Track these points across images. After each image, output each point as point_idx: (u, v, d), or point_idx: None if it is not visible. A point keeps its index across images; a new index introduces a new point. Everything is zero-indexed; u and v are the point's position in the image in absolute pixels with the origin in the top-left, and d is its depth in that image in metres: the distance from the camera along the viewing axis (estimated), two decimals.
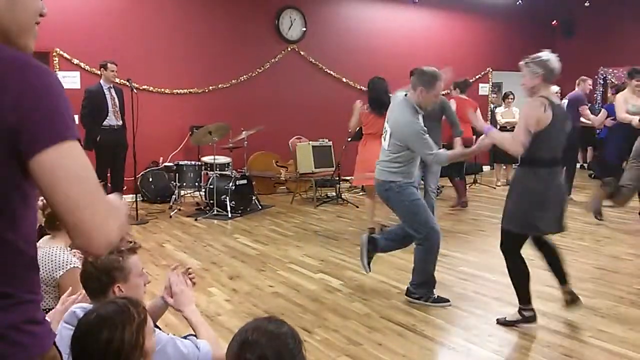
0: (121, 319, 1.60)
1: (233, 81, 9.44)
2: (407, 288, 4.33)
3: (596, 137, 10.49)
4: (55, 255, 2.77)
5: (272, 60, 9.78)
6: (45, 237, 2.95)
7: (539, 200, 3.54)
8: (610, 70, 12.21)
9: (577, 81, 8.60)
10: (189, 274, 2.44)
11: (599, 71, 12.31)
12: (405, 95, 4.16)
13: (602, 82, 12.23)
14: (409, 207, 4.17)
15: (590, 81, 8.88)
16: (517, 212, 3.66)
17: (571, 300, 3.91)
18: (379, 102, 6.05)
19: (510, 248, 3.78)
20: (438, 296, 4.25)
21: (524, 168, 3.65)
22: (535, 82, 3.58)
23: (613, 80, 12.06)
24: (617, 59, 11.92)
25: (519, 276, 3.82)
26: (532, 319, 3.79)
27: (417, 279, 4.26)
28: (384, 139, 4.28)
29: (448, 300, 4.23)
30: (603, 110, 8.61)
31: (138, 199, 7.57)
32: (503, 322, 3.85)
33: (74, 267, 2.71)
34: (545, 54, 3.62)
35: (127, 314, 1.61)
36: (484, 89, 12.53)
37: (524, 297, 3.80)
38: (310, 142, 8.57)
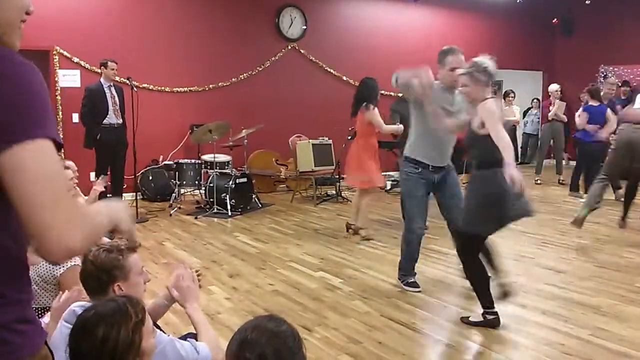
0: (118, 317, 1.59)
1: (233, 79, 9.43)
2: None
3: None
4: None
5: (272, 59, 9.78)
6: None
7: (506, 197, 3.50)
8: (611, 68, 12.20)
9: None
10: (197, 274, 2.44)
11: (599, 69, 12.29)
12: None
13: (602, 81, 12.21)
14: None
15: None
16: (485, 214, 3.61)
17: (503, 293, 3.93)
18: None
19: (473, 250, 3.77)
20: (412, 281, 4.54)
21: (484, 170, 3.61)
22: (479, 89, 3.62)
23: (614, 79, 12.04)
24: (618, 57, 11.92)
25: (481, 278, 3.79)
26: (496, 322, 3.72)
27: (400, 261, 4.63)
28: None
29: (418, 287, 4.49)
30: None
31: (138, 198, 7.57)
32: (466, 322, 3.81)
33: (74, 264, 2.70)
34: (482, 60, 3.66)
35: (125, 313, 1.61)
36: None
37: (486, 299, 3.74)
38: (310, 141, 8.57)
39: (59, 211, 1.07)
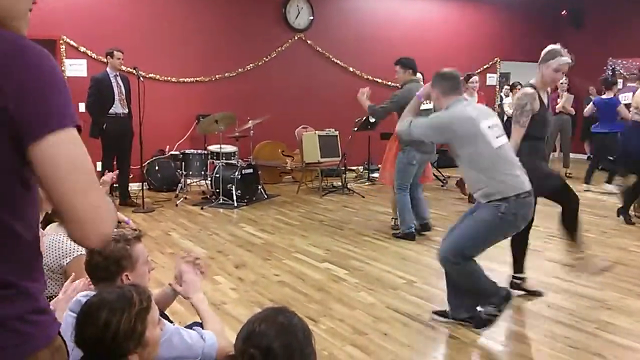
0: (122, 304, 1.60)
1: (239, 70, 9.42)
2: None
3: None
4: (62, 242, 2.78)
5: (279, 49, 9.75)
6: (53, 225, 2.95)
7: None
8: (619, 61, 12.10)
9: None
10: (197, 263, 2.44)
11: (607, 62, 12.20)
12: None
13: (611, 74, 12.12)
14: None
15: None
16: None
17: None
18: None
19: None
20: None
21: None
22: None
23: (622, 72, 11.96)
24: (626, 50, 11.81)
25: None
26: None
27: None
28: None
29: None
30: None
31: (144, 188, 7.58)
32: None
33: (80, 254, 2.71)
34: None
35: (129, 300, 1.61)
36: (491, 79, 12.46)
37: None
38: (317, 132, 8.55)
39: (93, 196, 1.11)
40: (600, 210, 7.35)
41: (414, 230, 5.81)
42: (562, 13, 12.72)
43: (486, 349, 3.43)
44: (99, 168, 6.94)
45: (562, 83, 10.02)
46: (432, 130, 3.57)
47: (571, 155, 10.43)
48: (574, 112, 10.11)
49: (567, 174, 10.10)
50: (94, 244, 1.15)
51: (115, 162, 7.17)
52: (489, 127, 3.39)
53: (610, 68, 12.17)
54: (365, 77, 10.34)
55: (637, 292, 4.31)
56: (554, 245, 5.61)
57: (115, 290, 1.67)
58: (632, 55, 11.81)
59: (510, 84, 11.11)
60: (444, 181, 9.13)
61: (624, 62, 12.04)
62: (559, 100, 10.12)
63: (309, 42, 10.03)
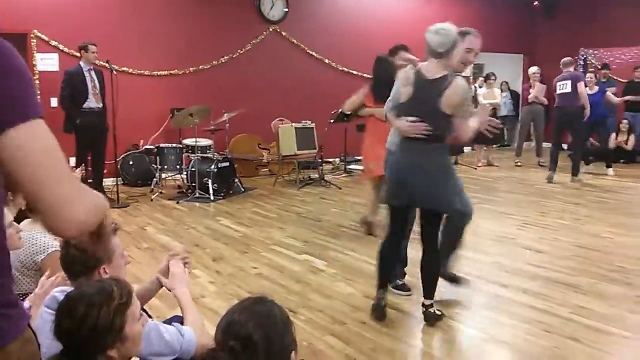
0: (101, 297, 1.58)
1: (214, 63, 9.35)
2: None
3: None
4: (36, 239, 2.74)
5: (254, 42, 9.69)
6: (26, 221, 2.91)
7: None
8: (591, 51, 12.29)
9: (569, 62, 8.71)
10: (185, 260, 2.48)
11: (580, 52, 12.38)
12: None
13: (582, 64, 12.30)
14: None
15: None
16: (457, 189, 3.58)
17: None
18: None
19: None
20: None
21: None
22: None
23: (593, 62, 12.14)
24: (598, 41, 11.99)
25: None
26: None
27: None
28: None
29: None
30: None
31: (119, 183, 7.49)
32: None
33: (55, 250, 2.67)
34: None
35: (109, 294, 1.60)
36: (466, 70, 12.52)
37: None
38: (293, 124, 8.53)
39: (67, 185, 1.10)
40: (574, 198, 7.48)
41: None
42: (535, 4, 12.85)
43: (463, 335, 3.47)
44: (73, 164, 6.83)
45: (534, 73, 10.15)
46: None
47: (544, 144, 10.58)
48: (546, 102, 10.24)
49: (540, 163, 10.25)
50: (71, 234, 1.13)
51: (89, 158, 7.07)
52: None
53: (582, 58, 12.34)
54: (340, 69, 10.34)
55: (610, 278, 4.40)
56: (527, 233, 5.69)
57: (95, 284, 1.65)
58: (604, 46, 11.99)
59: (485, 75, 11.22)
60: None
61: (596, 52, 12.22)
62: (531, 90, 10.25)
63: (284, 34, 9.99)
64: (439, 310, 3.61)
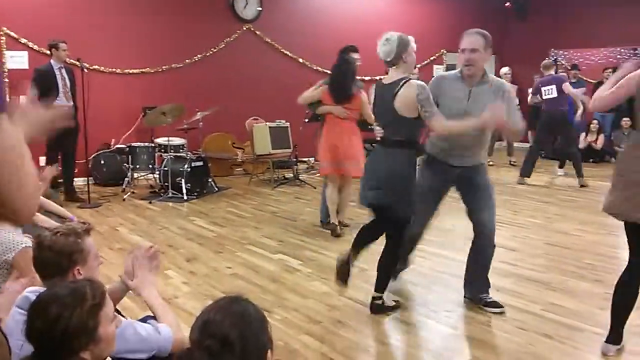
0: (73, 298, 1.55)
1: (187, 61, 9.26)
2: None
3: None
4: (5, 237, 2.69)
5: (227, 40, 9.62)
6: None
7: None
8: (561, 52, 12.49)
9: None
10: (153, 252, 2.37)
11: (550, 53, 12.57)
12: None
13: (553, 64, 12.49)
14: None
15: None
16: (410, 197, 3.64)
17: None
18: None
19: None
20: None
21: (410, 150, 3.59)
22: None
23: (563, 62, 12.34)
24: (569, 41, 12.20)
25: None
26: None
27: None
28: None
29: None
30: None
31: (90, 182, 7.37)
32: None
33: (26, 247, 2.64)
34: None
35: (82, 295, 1.56)
36: (438, 70, 12.64)
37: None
38: (267, 123, 8.50)
39: (25, 180, 1.14)
40: (544, 196, 7.60)
41: None
42: (507, 5, 13.00)
43: (437, 333, 3.50)
44: (43, 163, 6.70)
45: (505, 74, 10.28)
46: None
47: (515, 144, 10.72)
48: (517, 102, 10.35)
49: (511, 163, 10.38)
50: (26, 222, 1.17)
51: (60, 157, 6.94)
52: None
53: (553, 59, 12.54)
54: (314, 67, 10.33)
55: (579, 274, 4.47)
56: (499, 231, 5.74)
57: (68, 285, 1.62)
58: (574, 47, 12.20)
59: None
60: None
61: (566, 52, 12.43)
62: None
63: (257, 32, 9.93)
64: (394, 301, 3.80)
